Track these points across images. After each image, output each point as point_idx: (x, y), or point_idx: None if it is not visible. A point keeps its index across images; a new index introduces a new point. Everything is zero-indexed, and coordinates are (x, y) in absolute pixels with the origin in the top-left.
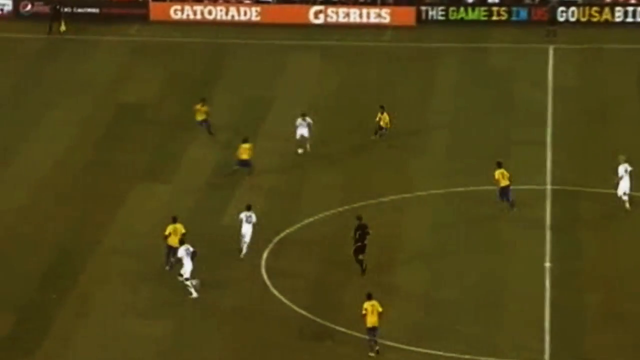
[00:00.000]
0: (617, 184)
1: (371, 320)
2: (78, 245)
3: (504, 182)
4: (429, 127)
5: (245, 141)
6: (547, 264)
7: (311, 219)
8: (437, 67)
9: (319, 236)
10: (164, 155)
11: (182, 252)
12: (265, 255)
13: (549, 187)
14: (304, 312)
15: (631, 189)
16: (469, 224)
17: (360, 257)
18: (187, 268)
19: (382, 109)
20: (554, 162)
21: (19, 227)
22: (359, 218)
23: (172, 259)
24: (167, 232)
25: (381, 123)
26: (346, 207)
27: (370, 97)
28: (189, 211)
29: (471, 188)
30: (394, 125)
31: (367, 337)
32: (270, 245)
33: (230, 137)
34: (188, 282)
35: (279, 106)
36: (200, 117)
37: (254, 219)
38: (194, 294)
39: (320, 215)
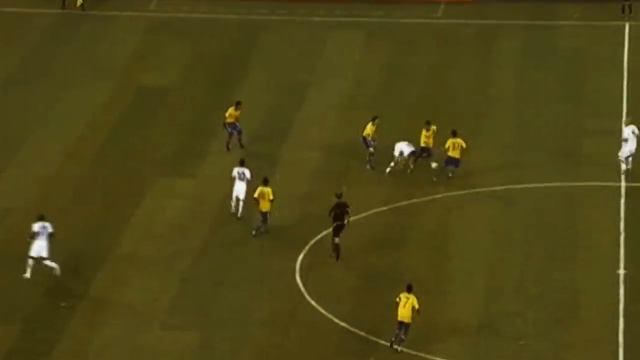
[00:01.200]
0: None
1: (401, 313)
2: (92, 246)
3: (454, 154)
4: (488, 116)
5: (374, 119)
6: (622, 271)
7: (351, 219)
8: (496, 47)
9: (361, 238)
10: (189, 145)
11: (37, 227)
12: (300, 259)
13: (623, 184)
14: (343, 324)
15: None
16: (533, 225)
17: (336, 240)
18: (34, 247)
19: (428, 125)
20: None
21: (26, 226)
22: (338, 196)
23: (260, 225)
24: (255, 195)
25: (424, 142)
26: (391, 206)
27: (420, 82)
28: (216, 209)
29: (535, 185)
30: (444, 122)
31: (396, 332)
32: (306, 248)
33: (262, 125)
34: (44, 262)
35: (317, 92)
36: (230, 120)
37: (247, 175)
38: (55, 267)
39: (362, 215)
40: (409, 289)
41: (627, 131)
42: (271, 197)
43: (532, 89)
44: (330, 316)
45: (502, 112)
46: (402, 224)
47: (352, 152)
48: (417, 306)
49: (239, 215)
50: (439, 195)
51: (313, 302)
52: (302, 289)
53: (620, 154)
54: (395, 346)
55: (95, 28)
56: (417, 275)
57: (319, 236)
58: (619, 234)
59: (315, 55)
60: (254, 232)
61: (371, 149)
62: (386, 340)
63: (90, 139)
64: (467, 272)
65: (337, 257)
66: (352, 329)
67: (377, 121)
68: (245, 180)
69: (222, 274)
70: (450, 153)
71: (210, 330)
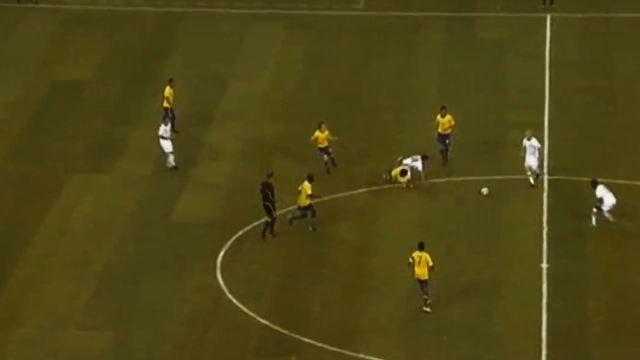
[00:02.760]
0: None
1: (418, 272)
2: (4, 245)
3: (442, 129)
4: (410, 109)
5: (320, 126)
6: (544, 265)
7: (276, 214)
8: (419, 39)
9: (283, 234)
10: (105, 140)
11: None
12: (221, 256)
13: (545, 176)
14: (264, 321)
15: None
16: (455, 219)
17: (265, 218)
18: None
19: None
20: (551, 147)
21: None
22: (269, 175)
23: (311, 220)
24: (299, 188)
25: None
26: (314, 201)
27: (341, 74)
28: (133, 206)
29: (458, 178)
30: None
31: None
32: (227, 245)
33: (183, 118)
34: None
35: (237, 85)
36: (167, 105)
37: (167, 134)
38: None
39: (284, 210)
40: (421, 247)
41: (534, 143)
42: (309, 192)
43: (455, 81)
44: (251, 314)
45: (425, 105)
46: (325, 219)
47: (274, 145)
48: (430, 263)
49: (169, 162)
50: (363, 190)
51: (234, 300)
52: (223, 286)
53: (532, 166)
54: (426, 309)
55: (8, 21)
56: (340, 271)
57: (240, 232)
58: (541, 227)
59: (235, 48)
60: (310, 228)
61: (325, 157)
62: (309, 338)
63: (1, 135)
64: (391, 267)
65: (262, 236)
66: (273, 326)
67: (324, 126)
68: (168, 138)
69: (140, 272)
70: (441, 129)
71: (127, 329)
